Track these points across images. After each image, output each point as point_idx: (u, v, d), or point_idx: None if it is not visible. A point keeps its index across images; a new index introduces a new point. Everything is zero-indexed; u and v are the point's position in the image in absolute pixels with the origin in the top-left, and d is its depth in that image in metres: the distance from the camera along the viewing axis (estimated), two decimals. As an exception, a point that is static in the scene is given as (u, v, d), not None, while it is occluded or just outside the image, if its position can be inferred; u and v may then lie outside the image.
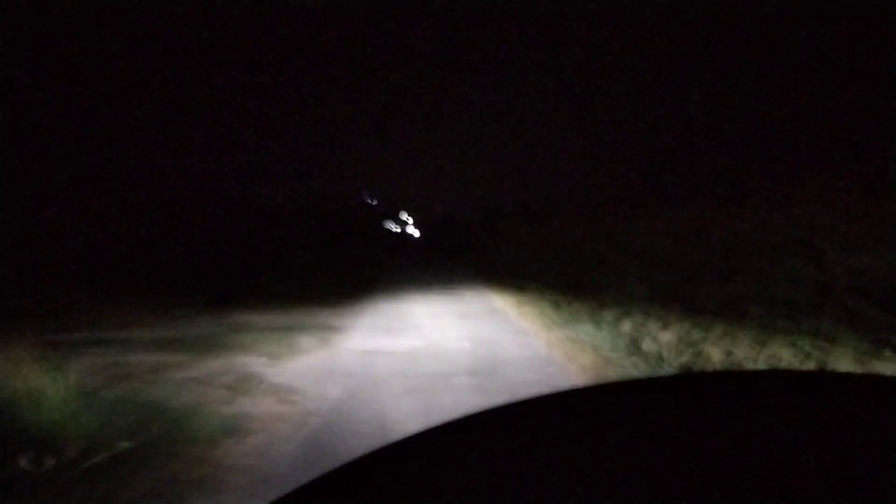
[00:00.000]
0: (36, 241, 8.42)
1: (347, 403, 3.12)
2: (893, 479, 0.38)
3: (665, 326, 5.09)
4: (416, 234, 61.99)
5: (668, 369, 4.03)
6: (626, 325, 5.44)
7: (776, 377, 0.66)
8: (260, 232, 14.72)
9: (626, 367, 4.08)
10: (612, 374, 3.91)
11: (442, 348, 4.61)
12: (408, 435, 0.47)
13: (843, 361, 3.54)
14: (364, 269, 11.67)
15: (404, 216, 65.72)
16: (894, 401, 0.52)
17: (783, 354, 3.86)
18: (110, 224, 10.01)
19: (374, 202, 62.54)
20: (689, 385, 0.61)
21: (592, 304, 6.67)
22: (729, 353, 4.12)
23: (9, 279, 6.72)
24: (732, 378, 0.66)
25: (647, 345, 4.72)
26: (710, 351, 4.21)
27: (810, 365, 3.67)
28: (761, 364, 3.84)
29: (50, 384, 2.79)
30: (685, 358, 4.18)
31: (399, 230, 61.08)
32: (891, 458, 0.40)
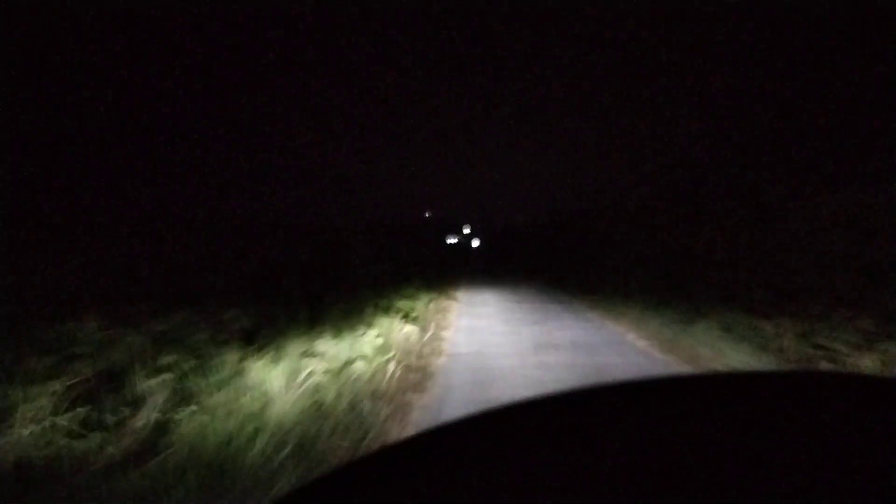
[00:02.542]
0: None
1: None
2: (893, 479, 0.38)
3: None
4: (476, 242, 61.84)
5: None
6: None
7: (776, 378, 0.68)
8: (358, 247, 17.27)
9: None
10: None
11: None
12: (408, 435, 0.48)
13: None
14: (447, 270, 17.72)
15: (466, 230, 65.68)
16: (894, 401, 0.53)
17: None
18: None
19: (434, 219, 63.34)
20: (689, 386, 0.62)
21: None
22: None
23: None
24: (732, 379, 0.67)
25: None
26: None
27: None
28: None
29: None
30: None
31: (459, 242, 61.28)
32: (890, 458, 0.41)
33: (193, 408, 2.72)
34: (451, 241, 59.33)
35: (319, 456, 2.35)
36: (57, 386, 2.71)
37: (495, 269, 22.85)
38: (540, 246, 24.18)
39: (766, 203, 9.48)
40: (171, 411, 2.68)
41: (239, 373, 3.33)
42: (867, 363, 3.53)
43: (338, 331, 4.93)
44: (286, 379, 3.20)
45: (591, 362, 4.30)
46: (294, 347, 3.99)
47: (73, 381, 2.82)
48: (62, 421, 2.43)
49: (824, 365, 3.62)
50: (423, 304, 8.19)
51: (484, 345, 5.21)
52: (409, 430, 2.88)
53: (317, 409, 2.87)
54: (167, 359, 3.30)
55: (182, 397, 2.87)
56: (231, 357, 3.53)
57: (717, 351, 4.40)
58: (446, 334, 6.01)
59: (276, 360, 3.60)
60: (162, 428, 2.53)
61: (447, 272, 19.02)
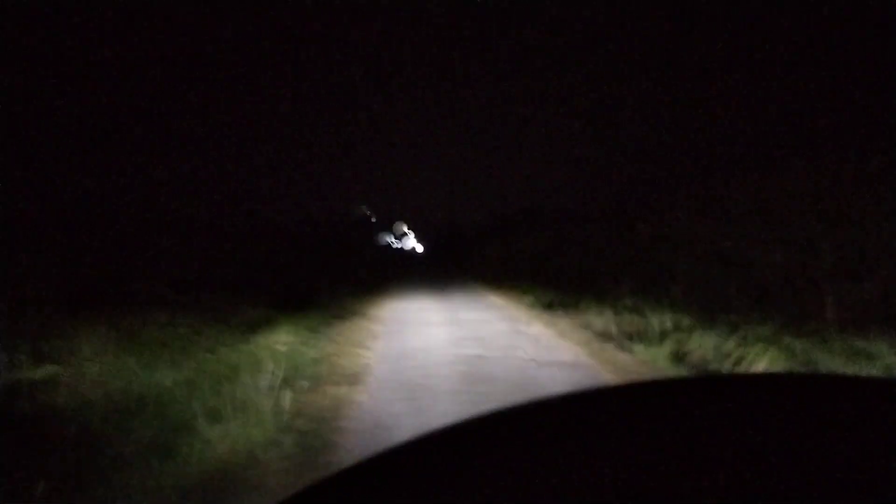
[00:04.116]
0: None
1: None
2: (893, 481, 0.38)
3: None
4: (420, 248, 56.92)
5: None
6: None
7: (777, 380, 0.67)
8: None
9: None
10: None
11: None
12: (412, 438, 0.48)
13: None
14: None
15: (403, 228, 60.19)
16: (894, 403, 0.53)
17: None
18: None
19: (373, 216, 57.90)
20: (689, 389, 0.62)
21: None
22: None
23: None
24: (731, 381, 0.68)
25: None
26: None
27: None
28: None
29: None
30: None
31: (400, 245, 56.01)
32: (890, 460, 0.41)
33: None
34: (390, 241, 54.31)
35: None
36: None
37: (436, 271, 19.42)
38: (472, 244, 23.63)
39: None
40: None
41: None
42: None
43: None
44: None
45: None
46: None
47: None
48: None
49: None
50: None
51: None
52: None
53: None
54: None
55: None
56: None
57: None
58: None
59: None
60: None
61: (380, 281, 14.38)
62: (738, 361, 3.85)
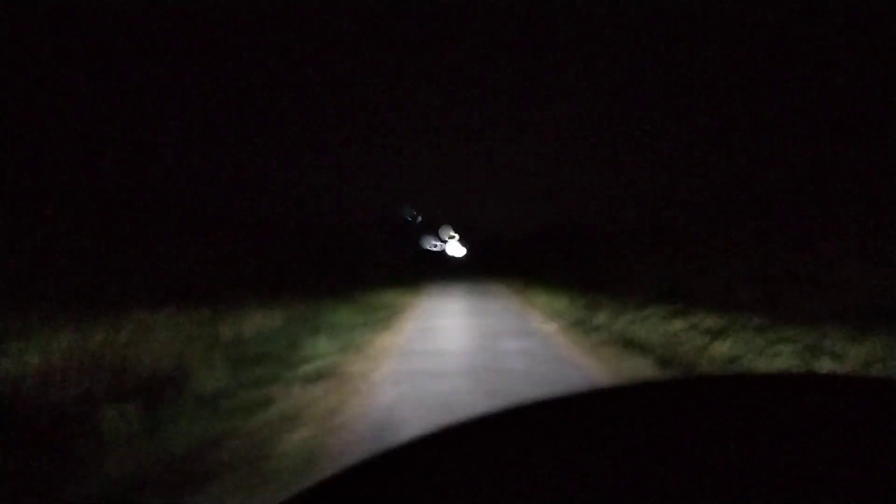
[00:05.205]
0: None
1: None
2: (893, 480, 0.38)
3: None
4: (461, 251, 52.80)
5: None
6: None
7: (779, 380, 0.67)
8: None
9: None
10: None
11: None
12: (411, 438, 0.48)
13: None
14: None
15: (449, 232, 56.23)
16: (893, 402, 0.52)
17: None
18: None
19: (418, 217, 54.83)
20: (691, 388, 0.61)
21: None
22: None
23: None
24: (732, 381, 0.65)
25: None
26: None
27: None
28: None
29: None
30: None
31: (442, 249, 52.38)
32: (890, 459, 0.41)
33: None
34: (434, 244, 50.86)
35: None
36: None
37: (480, 290, 14.56)
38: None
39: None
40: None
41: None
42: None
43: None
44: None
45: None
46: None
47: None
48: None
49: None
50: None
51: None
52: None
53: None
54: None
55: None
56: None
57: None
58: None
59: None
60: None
61: (398, 305, 10.32)
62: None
